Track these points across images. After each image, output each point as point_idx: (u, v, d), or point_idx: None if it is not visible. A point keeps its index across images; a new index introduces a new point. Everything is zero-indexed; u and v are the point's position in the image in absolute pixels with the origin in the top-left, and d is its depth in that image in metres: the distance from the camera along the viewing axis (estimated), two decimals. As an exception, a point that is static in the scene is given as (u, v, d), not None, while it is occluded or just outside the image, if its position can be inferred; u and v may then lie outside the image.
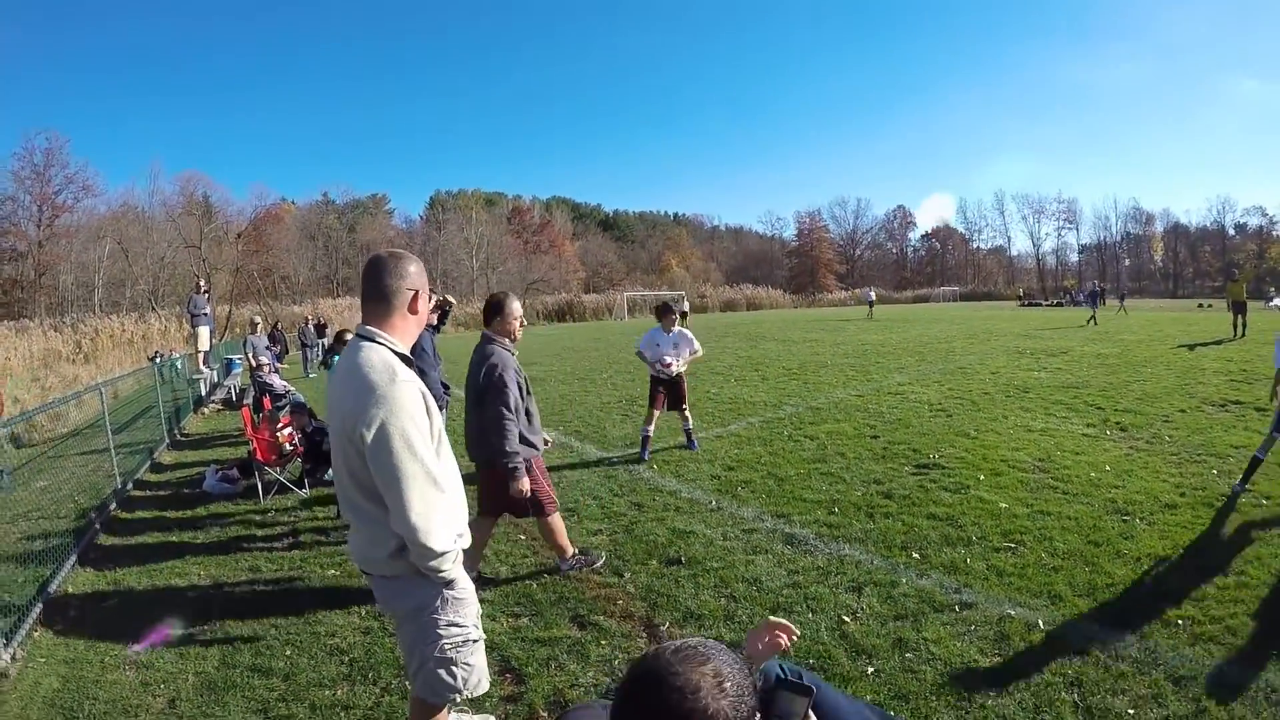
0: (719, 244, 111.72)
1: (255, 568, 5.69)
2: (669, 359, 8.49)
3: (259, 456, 7.82)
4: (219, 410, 15.25)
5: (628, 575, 5.15)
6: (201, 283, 19.78)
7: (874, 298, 48.04)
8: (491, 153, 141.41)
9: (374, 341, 2.48)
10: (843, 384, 14.11)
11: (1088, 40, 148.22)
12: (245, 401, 12.55)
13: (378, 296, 2.54)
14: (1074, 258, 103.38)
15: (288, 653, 4.24)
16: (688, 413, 8.91)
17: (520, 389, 4.76)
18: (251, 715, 3.62)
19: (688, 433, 8.95)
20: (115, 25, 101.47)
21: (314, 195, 79.31)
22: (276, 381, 12.85)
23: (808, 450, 8.59)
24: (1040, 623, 4.20)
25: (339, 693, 3.79)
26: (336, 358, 2.68)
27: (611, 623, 4.42)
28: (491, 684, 3.68)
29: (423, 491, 2.34)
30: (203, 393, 16.59)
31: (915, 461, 7.85)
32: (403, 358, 2.49)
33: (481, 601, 3.45)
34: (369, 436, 2.30)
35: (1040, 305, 62.58)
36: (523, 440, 4.77)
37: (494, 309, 4.87)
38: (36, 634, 4.71)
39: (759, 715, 1.19)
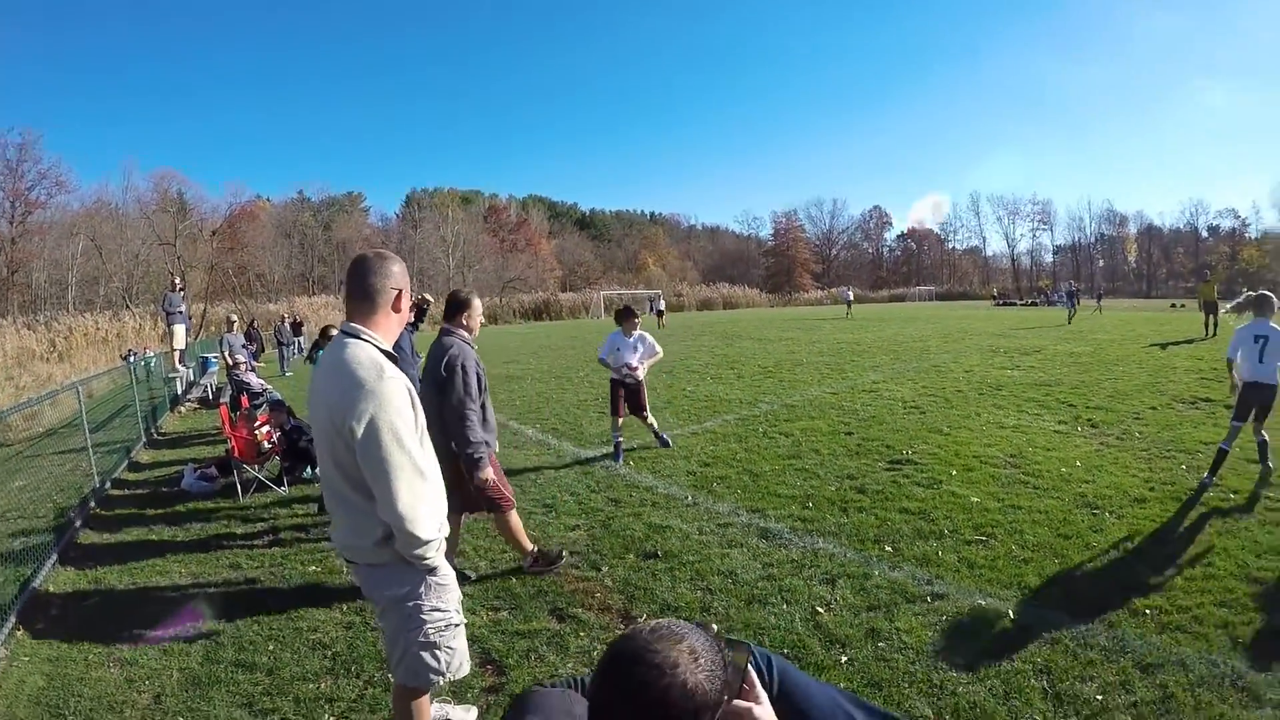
0: (696, 243, 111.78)
1: (236, 564, 5.72)
2: (635, 364, 8.40)
3: (237, 455, 7.82)
4: (195, 409, 15.18)
5: (605, 569, 5.23)
6: (177, 280, 19.69)
7: (851, 297, 48.32)
8: (468, 152, 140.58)
9: (359, 338, 2.57)
10: (818, 382, 14.23)
11: (1063, 43, 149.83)
12: (222, 400, 12.48)
13: (362, 295, 2.63)
14: (1049, 258, 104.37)
15: (271, 648, 4.29)
16: (650, 418, 8.82)
17: (478, 382, 4.77)
18: (237, 710, 3.66)
19: (657, 434, 8.92)
20: (89, 23, 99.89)
21: (290, 193, 78.50)
22: (253, 380, 12.84)
23: (782, 447, 8.69)
24: (1010, 612, 4.31)
25: (323, 686, 3.84)
26: (321, 353, 2.76)
27: (590, 615, 4.50)
28: (472, 675, 3.78)
29: (410, 482, 2.45)
30: (179, 391, 16.49)
31: (889, 457, 7.97)
32: (387, 354, 2.59)
33: (462, 595, 3.54)
34: (359, 430, 2.39)
35: (1015, 305, 63.17)
36: None
37: (460, 305, 4.89)
38: (19, 633, 4.73)
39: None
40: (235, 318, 16.71)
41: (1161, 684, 3.53)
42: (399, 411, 2.46)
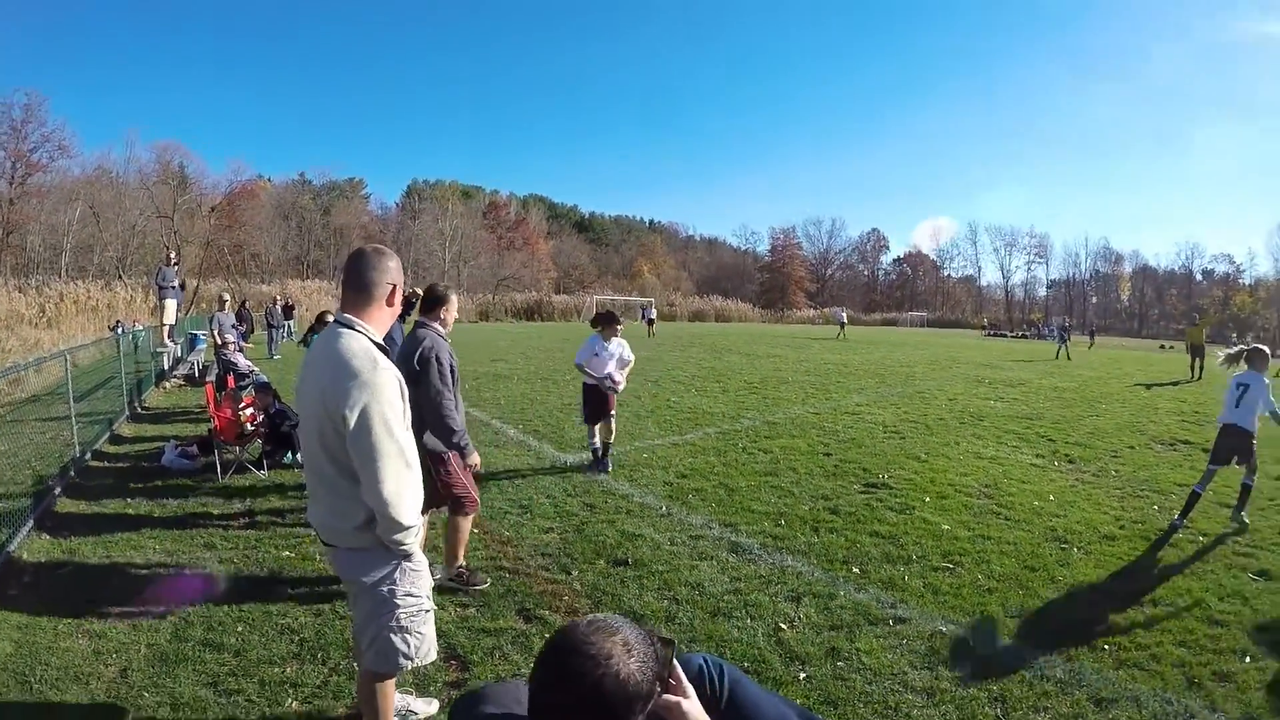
0: (692, 253, 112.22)
1: (211, 544, 5.74)
2: (618, 376, 8.22)
3: (220, 435, 7.85)
4: (181, 386, 15.14)
5: (575, 573, 5.29)
6: (171, 255, 19.58)
7: (845, 318, 48.45)
8: (472, 146, 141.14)
9: (353, 329, 2.67)
10: (801, 401, 14.32)
11: (1070, 78, 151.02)
12: (209, 378, 12.50)
13: (358, 288, 2.74)
14: (1042, 292, 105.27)
15: (240, 629, 4.33)
16: (611, 431, 8.43)
17: (451, 374, 4.77)
18: (202, 689, 3.70)
19: (605, 447, 8.41)
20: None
21: (291, 174, 78.58)
22: (241, 361, 12.84)
23: (760, 463, 8.77)
24: (970, 640, 4.38)
25: (288, 670, 3.89)
26: (316, 337, 2.86)
27: (556, 617, 4.55)
28: (436, 670, 3.85)
29: (397, 469, 2.57)
30: (165, 367, 16.46)
31: (865, 480, 8.05)
32: (379, 346, 2.69)
33: (432, 590, 3.61)
34: (352, 418, 2.50)
35: (1005, 336, 63.54)
36: None
37: (438, 300, 4.91)
38: (-10, 598, 4.75)
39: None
40: (228, 296, 16.64)
41: (1114, 719, 3.60)
42: (390, 402, 2.58)
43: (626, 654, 1.29)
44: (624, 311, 65.10)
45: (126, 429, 10.30)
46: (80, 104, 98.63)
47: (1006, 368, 23.94)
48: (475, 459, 4.84)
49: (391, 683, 3.01)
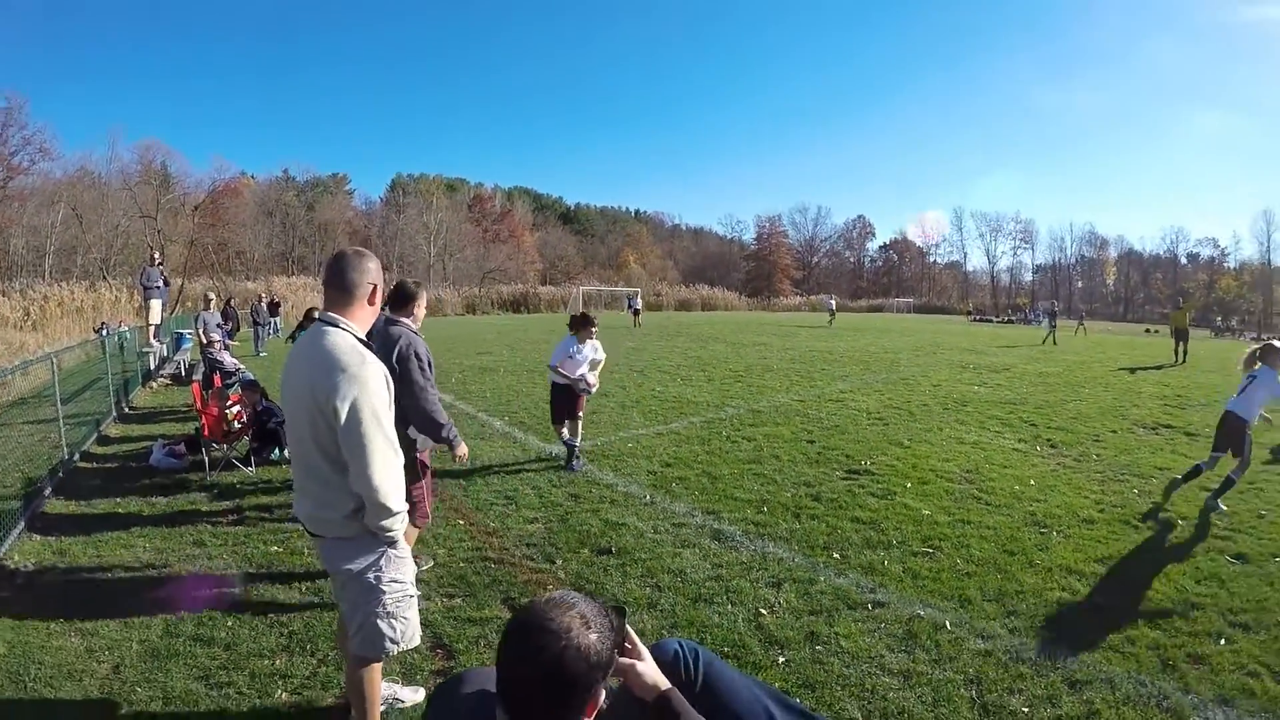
0: (678, 243, 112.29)
1: (200, 542, 5.79)
2: (592, 379, 8.11)
3: (207, 433, 7.87)
4: (167, 385, 15.14)
5: (559, 562, 5.37)
6: (156, 255, 19.55)
7: (834, 306, 48.48)
8: (456, 139, 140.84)
9: (338, 327, 2.81)
10: (786, 389, 14.40)
11: (1055, 66, 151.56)
12: (195, 377, 12.52)
13: (341, 288, 2.88)
14: (1028, 277, 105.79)
15: (229, 624, 4.39)
16: (579, 429, 8.31)
17: (429, 367, 4.76)
18: (193, 682, 3.75)
19: (573, 448, 8.17)
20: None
21: (275, 171, 78.17)
22: (227, 359, 12.89)
23: (744, 451, 8.84)
24: (948, 623, 4.43)
25: (278, 662, 3.95)
26: (304, 333, 2.99)
27: (541, 607, 4.62)
28: (422, 658, 3.94)
29: (385, 458, 2.70)
30: (151, 366, 16.45)
31: (847, 467, 8.12)
32: (363, 342, 2.84)
33: (418, 582, 3.70)
34: (343, 411, 2.62)
35: (990, 321, 63.86)
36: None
37: (409, 296, 4.88)
38: (-19, 599, 4.79)
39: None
40: (213, 295, 16.66)
41: (1088, 700, 3.65)
42: (378, 394, 2.72)
43: (585, 627, 1.40)
44: (610, 302, 65.40)
45: (114, 429, 10.32)
46: (61, 104, 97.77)
47: (991, 353, 24.04)
48: (463, 450, 4.89)
49: (379, 671, 3.10)
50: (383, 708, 3.34)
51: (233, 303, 23.46)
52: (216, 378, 11.59)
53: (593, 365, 8.15)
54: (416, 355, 4.66)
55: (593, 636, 1.41)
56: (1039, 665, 3.98)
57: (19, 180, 51.51)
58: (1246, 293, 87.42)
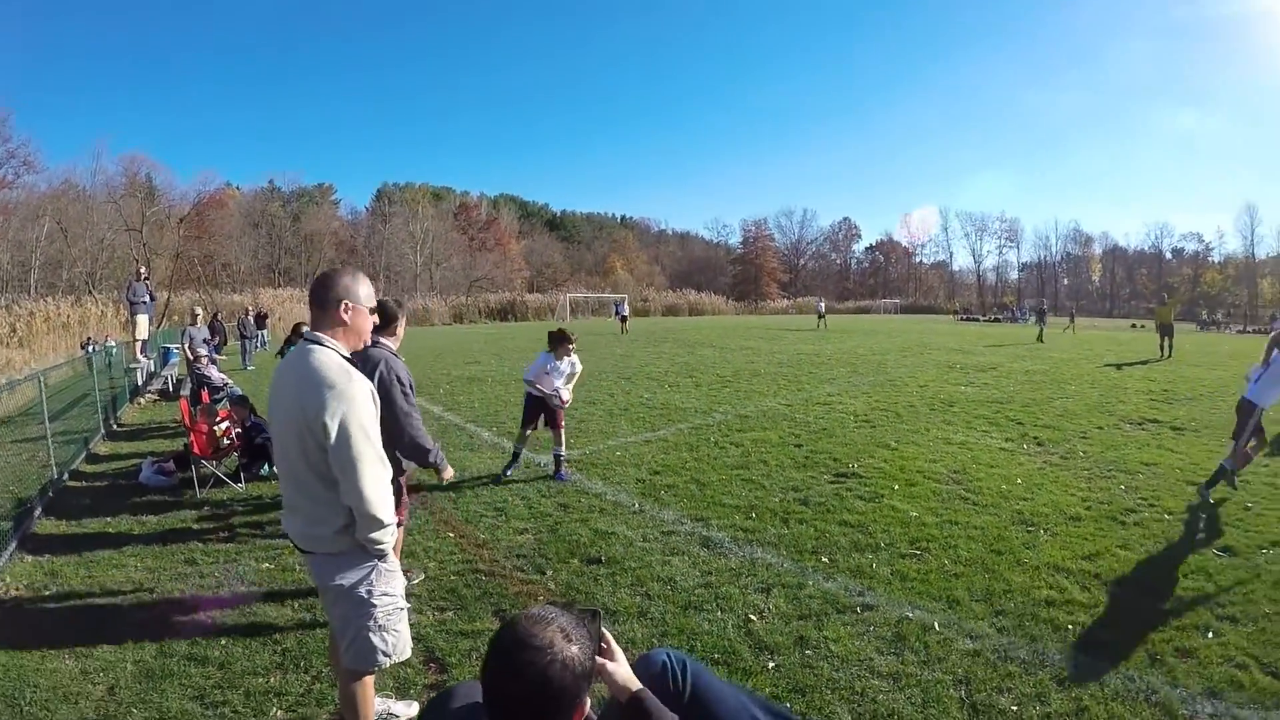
0: (665, 248, 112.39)
1: (192, 560, 5.81)
2: (566, 395, 8.15)
3: (196, 450, 7.86)
4: (155, 401, 15.09)
5: (550, 573, 5.39)
6: (142, 269, 19.50)
7: (824, 308, 48.51)
8: (441, 148, 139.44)
9: (323, 345, 2.86)
10: (773, 393, 14.45)
11: (1037, 66, 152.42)
12: (183, 393, 12.51)
13: (323, 305, 2.93)
14: (1014, 275, 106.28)
15: (223, 642, 4.40)
16: (563, 434, 8.27)
17: (410, 389, 4.71)
18: (188, 702, 3.77)
19: (558, 458, 8.21)
20: (71, 6, 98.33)
21: (260, 182, 77.81)
22: (214, 374, 12.85)
23: (732, 457, 8.88)
24: (936, 624, 4.46)
25: (272, 680, 3.97)
26: (293, 349, 3.04)
27: (532, 619, 4.65)
28: (415, 672, 3.97)
29: (375, 472, 2.76)
30: (139, 382, 16.40)
31: (834, 470, 8.16)
32: (348, 359, 2.89)
33: (409, 596, 3.74)
34: (332, 428, 2.67)
35: (977, 320, 64.13)
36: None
37: (391, 316, 4.80)
38: (-26, 622, 4.79)
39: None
40: (200, 310, 16.59)
41: (1076, 697, 3.68)
42: (365, 410, 2.77)
43: (566, 641, 1.47)
44: (598, 308, 65.38)
45: (103, 447, 10.30)
46: (46, 117, 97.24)
47: (978, 352, 24.19)
48: (449, 473, 4.88)
49: (371, 685, 3.14)
50: (377, 722, 3.38)
51: (220, 316, 23.41)
52: (204, 393, 11.58)
53: (568, 379, 8.18)
54: (399, 380, 4.60)
55: (574, 649, 1.47)
56: (1027, 664, 4.01)
57: (3, 194, 51.25)
58: (1231, 286, 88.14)
